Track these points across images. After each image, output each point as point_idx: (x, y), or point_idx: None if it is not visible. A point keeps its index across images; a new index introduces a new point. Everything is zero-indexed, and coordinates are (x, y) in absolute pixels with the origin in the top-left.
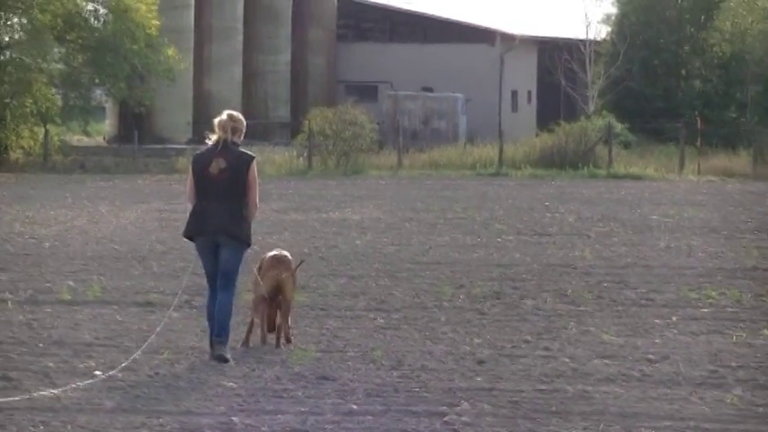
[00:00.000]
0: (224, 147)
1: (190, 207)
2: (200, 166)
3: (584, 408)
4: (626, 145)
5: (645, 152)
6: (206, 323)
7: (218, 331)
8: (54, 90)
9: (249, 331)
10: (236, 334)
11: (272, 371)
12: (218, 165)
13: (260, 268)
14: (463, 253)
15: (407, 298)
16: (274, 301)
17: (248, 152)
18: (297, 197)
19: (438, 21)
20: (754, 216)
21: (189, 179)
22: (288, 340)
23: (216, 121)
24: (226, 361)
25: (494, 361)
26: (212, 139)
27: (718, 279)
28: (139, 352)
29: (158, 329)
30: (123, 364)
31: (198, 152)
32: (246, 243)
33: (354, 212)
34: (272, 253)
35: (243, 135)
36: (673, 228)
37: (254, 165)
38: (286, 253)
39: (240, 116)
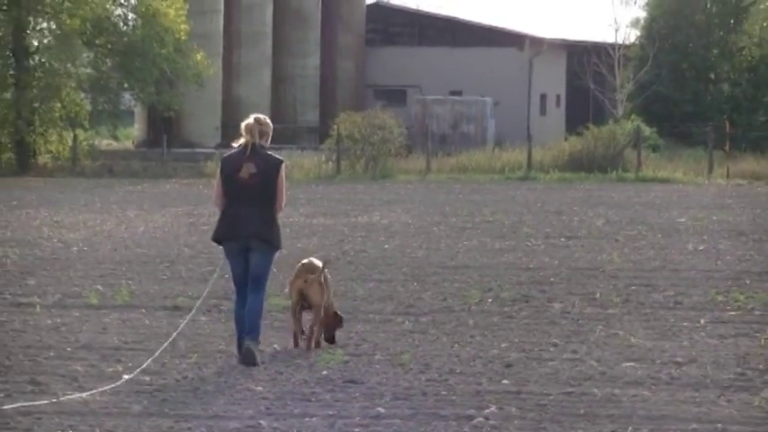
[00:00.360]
0: (253, 151)
1: (218, 211)
2: (230, 171)
3: (611, 411)
4: (654, 149)
5: (673, 156)
6: (233, 326)
7: (249, 330)
8: (83, 95)
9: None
10: (265, 338)
11: (300, 374)
12: (248, 170)
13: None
14: (491, 257)
15: (436, 302)
16: (304, 309)
17: (277, 156)
18: (325, 201)
19: (466, 25)
20: None
21: (216, 183)
22: (317, 345)
23: (243, 124)
24: (254, 364)
25: (521, 364)
26: (239, 142)
27: (746, 282)
28: (157, 353)
29: (178, 330)
30: (143, 365)
31: (226, 155)
32: (277, 247)
33: (383, 217)
34: (302, 261)
35: (270, 138)
36: (701, 231)
37: (283, 168)
38: (316, 261)
39: (267, 119)
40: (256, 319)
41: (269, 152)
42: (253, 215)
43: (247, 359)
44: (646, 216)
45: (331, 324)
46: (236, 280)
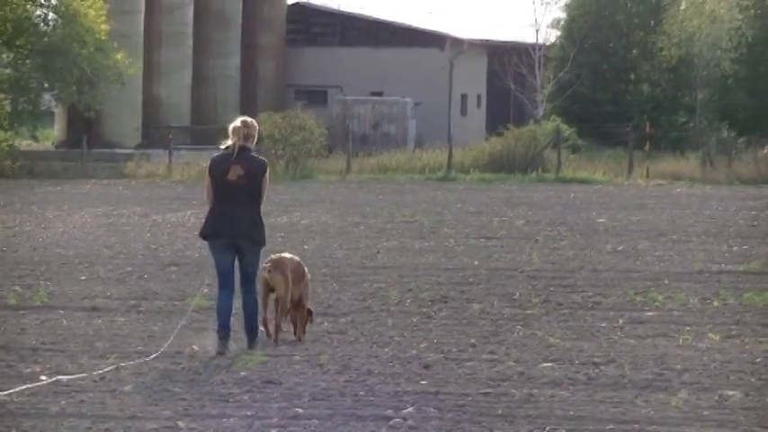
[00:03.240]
0: (240, 153)
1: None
2: (219, 173)
3: (529, 411)
4: (575, 149)
5: (593, 156)
6: (152, 327)
7: (249, 327)
8: (2, 95)
9: (277, 331)
10: (183, 338)
11: (219, 375)
12: (236, 172)
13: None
14: (411, 257)
15: (355, 302)
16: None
17: (263, 158)
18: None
19: (388, 25)
20: (702, 220)
21: (207, 182)
22: (278, 336)
23: (230, 127)
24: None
25: (440, 365)
26: (226, 144)
27: (664, 283)
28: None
29: (172, 337)
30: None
31: (214, 157)
32: (263, 244)
33: (303, 217)
34: (273, 257)
35: (255, 140)
36: (620, 231)
37: (268, 170)
38: (287, 255)
39: (254, 122)
40: (254, 320)
41: (253, 154)
42: (240, 215)
43: (252, 348)
44: (565, 216)
45: (303, 318)
46: (220, 274)
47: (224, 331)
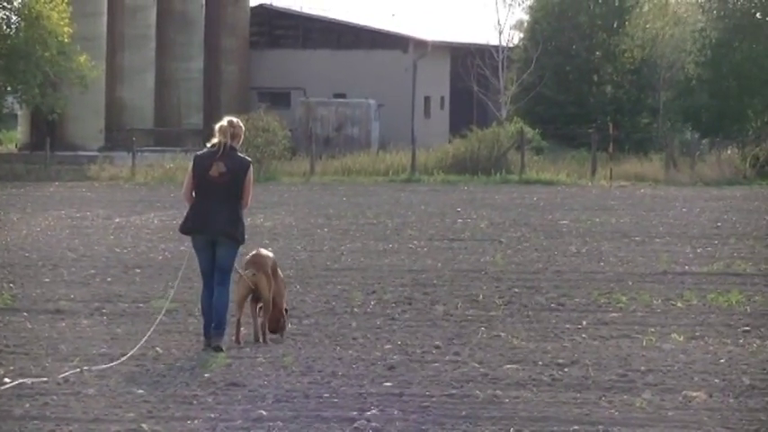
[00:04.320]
0: (224, 151)
1: (187, 205)
2: (201, 169)
3: (493, 413)
4: (538, 151)
5: (557, 158)
6: (116, 330)
7: (216, 323)
8: None
9: (238, 330)
10: (149, 341)
11: (182, 377)
12: (218, 168)
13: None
14: (375, 259)
15: (318, 304)
16: (256, 301)
17: (246, 157)
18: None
19: (351, 27)
20: (665, 221)
21: (187, 178)
22: (265, 336)
23: (217, 126)
24: (221, 350)
25: (404, 366)
26: (212, 142)
27: (628, 284)
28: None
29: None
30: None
31: (198, 154)
32: (241, 241)
33: (266, 219)
34: (251, 253)
35: (241, 140)
36: (584, 233)
37: (251, 169)
38: (265, 252)
39: (240, 123)
40: (223, 313)
41: (239, 153)
42: (220, 211)
43: (216, 347)
44: (529, 218)
45: (277, 318)
46: (203, 273)
47: (209, 330)
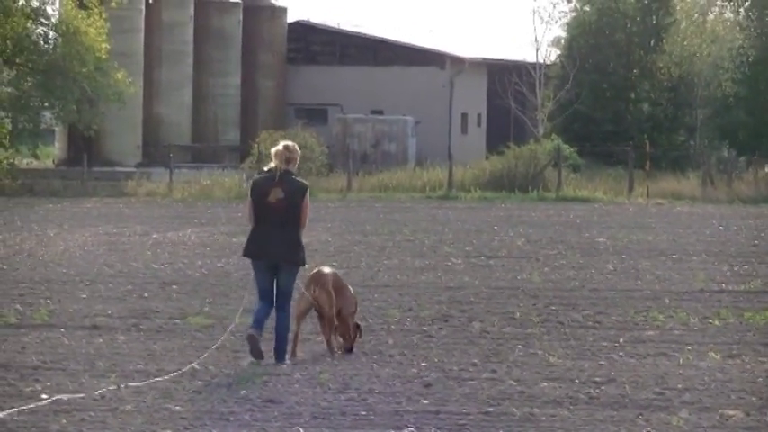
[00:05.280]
0: (281, 176)
1: (249, 228)
2: (259, 195)
3: (530, 430)
4: (575, 168)
5: (594, 175)
6: (152, 346)
7: (276, 346)
8: (2, 114)
9: (295, 344)
10: (183, 356)
11: (219, 394)
12: (276, 194)
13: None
14: (411, 276)
15: (356, 321)
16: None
17: (303, 181)
18: (245, 221)
19: (388, 44)
20: (702, 239)
21: (247, 203)
22: (333, 350)
23: (273, 151)
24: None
25: (441, 384)
26: (269, 166)
27: (665, 302)
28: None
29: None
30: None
31: (256, 179)
32: (301, 265)
33: (303, 235)
34: (313, 270)
35: (297, 164)
36: (620, 250)
37: (308, 193)
38: (326, 269)
39: (295, 147)
40: (283, 339)
41: (295, 177)
42: (279, 237)
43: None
44: (566, 235)
45: (350, 334)
46: (259, 289)
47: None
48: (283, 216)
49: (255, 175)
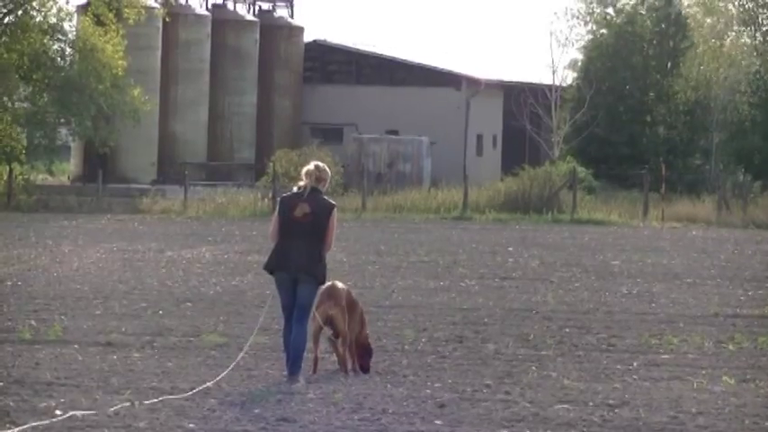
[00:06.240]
0: (310, 194)
1: (272, 244)
2: (286, 209)
3: None
4: (590, 190)
5: (609, 198)
6: (167, 363)
7: (293, 362)
8: (19, 129)
9: (315, 364)
10: (197, 375)
11: (233, 412)
12: (302, 209)
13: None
14: (426, 296)
15: (369, 341)
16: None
17: (331, 201)
18: (260, 239)
19: (404, 64)
20: (717, 263)
21: (273, 219)
22: (350, 369)
23: (303, 170)
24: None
25: (454, 405)
26: (299, 184)
27: (679, 325)
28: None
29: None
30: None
31: (285, 195)
32: (321, 281)
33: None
34: (325, 285)
35: (327, 184)
36: (635, 274)
37: (335, 212)
38: (340, 285)
39: (326, 167)
40: (300, 353)
41: (324, 197)
42: (302, 250)
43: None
44: (580, 258)
45: (363, 353)
46: (284, 308)
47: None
48: (308, 231)
49: (284, 194)
